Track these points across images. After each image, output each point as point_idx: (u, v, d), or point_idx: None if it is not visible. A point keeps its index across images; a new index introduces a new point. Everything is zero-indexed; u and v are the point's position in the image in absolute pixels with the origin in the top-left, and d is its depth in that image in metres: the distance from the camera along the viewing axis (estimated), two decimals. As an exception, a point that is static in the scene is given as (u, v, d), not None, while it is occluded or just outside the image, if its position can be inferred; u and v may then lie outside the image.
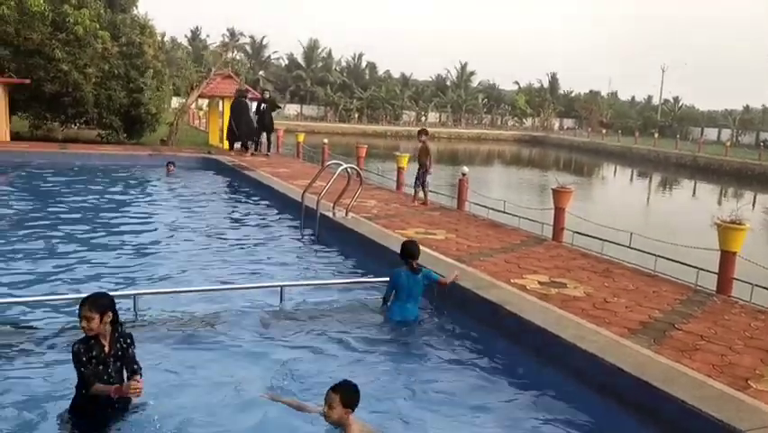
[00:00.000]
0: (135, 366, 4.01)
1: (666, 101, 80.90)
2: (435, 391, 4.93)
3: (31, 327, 5.69)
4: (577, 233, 10.09)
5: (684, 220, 20.55)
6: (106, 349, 3.90)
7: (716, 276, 7.53)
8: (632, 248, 9.27)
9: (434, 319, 6.52)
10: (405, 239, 8.08)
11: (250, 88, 24.54)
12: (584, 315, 5.86)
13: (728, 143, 50.20)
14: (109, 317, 3.87)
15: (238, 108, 19.92)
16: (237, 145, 20.77)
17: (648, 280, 7.46)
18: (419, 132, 12.66)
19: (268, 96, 21.27)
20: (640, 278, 7.56)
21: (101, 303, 3.88)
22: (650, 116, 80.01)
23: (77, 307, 3.93)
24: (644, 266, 8.33)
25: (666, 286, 7.25)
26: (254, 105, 21.26)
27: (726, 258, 7.48)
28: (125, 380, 3.97)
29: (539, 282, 6.95)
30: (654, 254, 8.69)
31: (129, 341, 4.03)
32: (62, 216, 10.65)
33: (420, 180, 12.42)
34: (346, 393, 3.87)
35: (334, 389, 3.88)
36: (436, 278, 6.57)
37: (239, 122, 20.08)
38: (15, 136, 20.64)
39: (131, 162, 17.81)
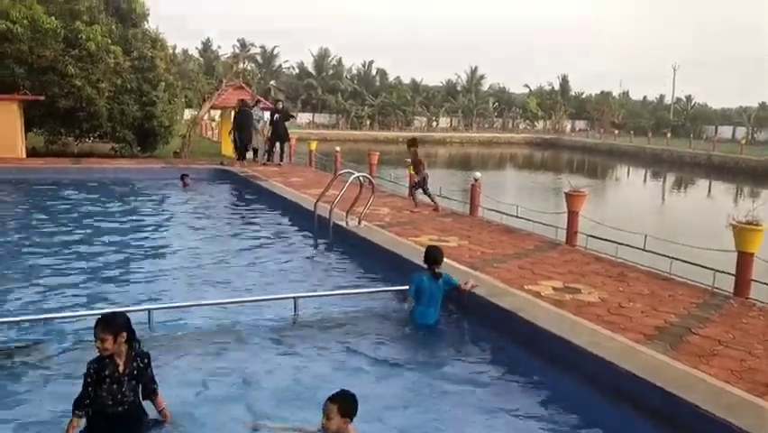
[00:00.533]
0: (153, 386, 4.03)
1: (678, 100, 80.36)
2: (450, 399, 4.92)
3: (44, 344, 5.71)
4: (591, 236, 10.03)
5: (699, 221, 20.38)
6: (121, 368, 3.91)
7: (733, 278, 7.46)
8: (646, 251, 9.21)
9: (449, 328, 6.51)
10: (419, 246, 8.09)
11: (261, 99, 24.62)
12: (599, 321, 5.82)
13: (743, 141, 49.74)
14: (123, 337, 3.88)
15: (241, 120, 19.81)
16: (249, 155, 20.83)
17: (663, 284, 7.40)
18: (409, 143, 12.59)
19: (281, 106, 21.34)
20: (655, 281, 7.50)
21: (115, 324, 3.90)
22: (662, 116, 79.45)
23: (93, 326, 3.96)
24: (660, 269, 8.26)
25: (682, 289, 7.18)
26: (267, 115, 21.35)
27: (744, 259, 7.39)
28: (140, 398, 3.98)
29: (553, 288, 6.92)
30: (669, 257, 8.62)
31: (146, 361, 4.03)
32: (77, 231, 10.73)
33: (423, 188, 12.36)
34: (344, 403, 3.85)
35: (332, 399, 3.85)
36: (456, 283, 6.67)
37: (242, 133, 19.97)
38: (31, 152, 20.89)
39: (144, 176, 17.93)
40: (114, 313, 4.22)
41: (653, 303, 6.50)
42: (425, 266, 6.63)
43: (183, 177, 16.46)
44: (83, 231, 10.70)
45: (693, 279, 7.83)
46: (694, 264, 8.43)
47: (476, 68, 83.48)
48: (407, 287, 6.64)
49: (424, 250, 6.90)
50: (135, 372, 3.97)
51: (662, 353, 5.06)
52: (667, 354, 5.05)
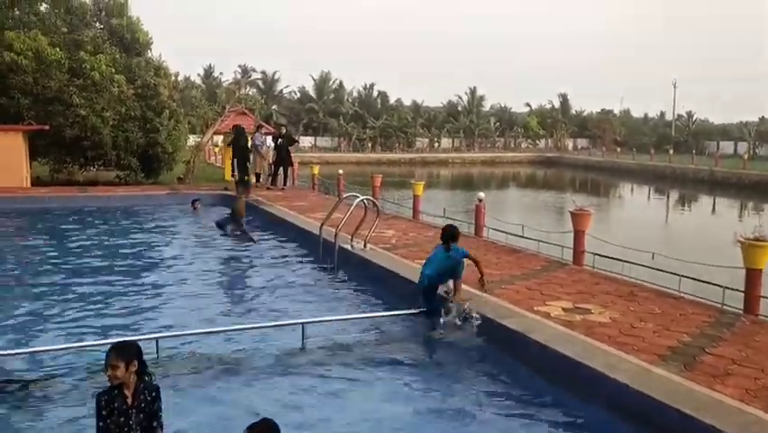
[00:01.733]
0: (156, 423, 3.91)
1: (680, 116, 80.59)
2: (460, 423, 4.87)
3: (52, 376, 5.68)
4: (598, 255, 9.99)
5: (705, 238, 20.30)
6: (129, 400, 3.85)
7: (742, 295, 7.40)
8: (655, 269, 9.16)
9: (458, 350, 6.46)
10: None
11: (263, 124, 24.79)
12: (611, 342, 5.76)
13: (746, 156, 49.76)
14: (134, 366, 3.84)
15: (237, 146, 19.69)
16: (252, 180, 20.82)
17: (674, 303, 7.34)
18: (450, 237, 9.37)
19: (284, 130, 21.44)
20: (665, 300, 7.44)
21: (127, 351, 3.86)
22: (664, 132, 79.68)
23: (105, 354, 3.92)
24: (669, 287, 8.21)
25: (692, 308, 7.13)
26: (269, 140, 21.43)
27: (752, 276, 7.35)
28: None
29: (563, 309, 6.87)
30: (678, 275, 8.57)
31: (154, 394, 3.95)
32: (80, 260, 10.73)
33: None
34: None
35: (251, 428, 3.46)
36: (465, 252, 7.40)
37: (240, 159, 19.85)
38: (36, 181, 20.99)
39: (149, 202, 17.97)
40: (126, 341, 4.18)
41: (664, 323, 6.45)
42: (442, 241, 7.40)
43: (194, 202, 16.53)
44: (87, 260, 10.69)
45: (702, 296, 7.77)
46: (703, 282, 8.38)
47: (475, 88, 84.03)
48: (415, 310, 6.65)
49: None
50: (143, 404, 3.91)
51: (677, 373, 5.01)
52: (681, 374, 4.99)
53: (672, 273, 8.76)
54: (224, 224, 13.13)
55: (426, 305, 7.19)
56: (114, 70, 21.10)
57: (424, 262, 7.55)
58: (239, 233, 12.60)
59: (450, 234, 7.45)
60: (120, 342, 4.07)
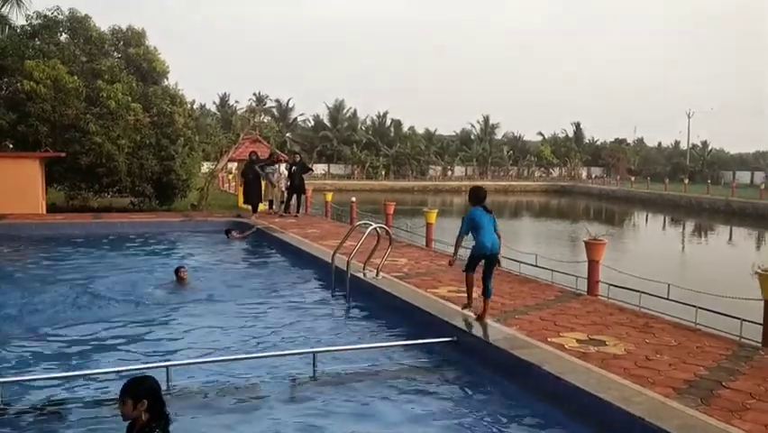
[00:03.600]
0: None
1: (694, 146, 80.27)
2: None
3: (59, 403, 5.65)
4: (613, 285, 9.88)
5: (722, 268, 20.07)
6: None
7: (761, 327, 7.27)
8: (671, 300, 9.03)
9: (472, 381, 6.37)
10: (438, 298, 8.06)
11: (277, 151, 24.97)
12: (626, 374, 5.66)
13: (762, 186, 49.37)
14: (143, 405, 3.74)
15: (249, 173, 20.00)
16: (266, 206, 20.96)
17: (690, 335, 7.22)
18: None
19: (298, 158, 21.55)
20: (682, 332, 7.32)
21: (138, 390, 3.76)
22: (678, 162, 79.35)
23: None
24: (685, 319, 8.08)
25: (709, 340, 7.00)
26: (283, 168, 21.55)
27: (771, 308, 7.22)
28: None
29: (577, 340, 6.77)
30: (695, 306, 8.44)
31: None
32: (94, 285, 10.74)
33: None
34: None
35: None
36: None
37: (252, 187, 20.17)
38: (52, 207, 21.20)
39: (163, 229, 18.04)
40: (142, 378, 4.01)
41: (681, 355, 6.33)
42: (475, 205, 7.42)
43: (228, 232, 16.62)
44: (100, 286, 10.70)
45: (720, 328, 7.64)
46: (721, 314, 8.23)
47: (488, 116, 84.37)
48: (428, 340, 6.55)
49: (436, 302, 7.14)
50: None
51: (694, 407, 4.90)
52: (698, 408, 4.88)
53: (688, 305, 8.62)
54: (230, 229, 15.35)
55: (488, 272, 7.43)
56: (130, 99, 21.43)
57: (463, 231, 7.41)
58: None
59: (482, 196, 7.55)
60: (134, 378, 3.97)
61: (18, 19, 24.09)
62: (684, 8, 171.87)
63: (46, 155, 20.08)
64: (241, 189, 25.78)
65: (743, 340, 7.19)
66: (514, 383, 6.07)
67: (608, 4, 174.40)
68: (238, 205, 25.58)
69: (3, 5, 23.60)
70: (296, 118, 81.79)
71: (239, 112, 68.58)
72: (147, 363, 6.34)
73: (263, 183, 20.51)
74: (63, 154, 20.05)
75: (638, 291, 9.36)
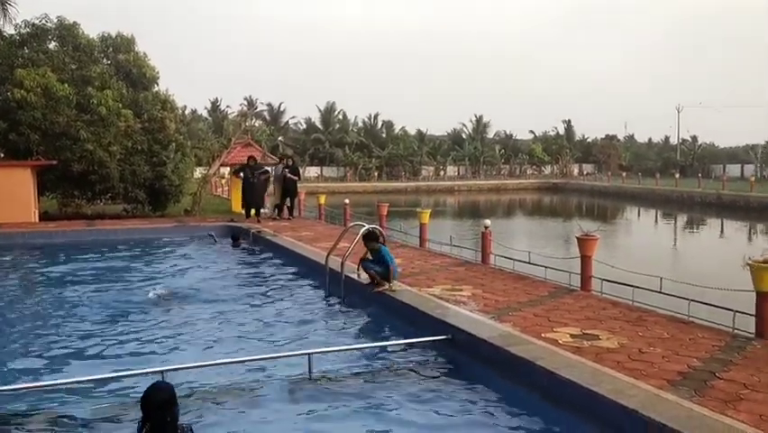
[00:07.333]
0: None
1: (684, 140, 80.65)
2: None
3: (53, 411, 5.65)
4: (605, 280, 9.93)
5: (714, 260, 20.18)
6: None
7: (753, 318, 7.32)
8: (663, 293, 9.08)
9: (467, 379, 6.40)
10: (433, 297, 8.10)
11: (269, 155, 24.97)
12: (620, 368, 5.70)
13: (753, 179, 49.65)
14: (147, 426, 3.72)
15: (244, 177, 19.91)
16: (263, 210, 20.90)
17: (683, 327, 7.27)
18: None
19: (290, 162, 21.49)
20: (674, 325, 7.37)
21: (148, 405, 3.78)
22: (669, 157, 79.73)
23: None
24: (678, 312, 8.14)
25: (702, 332, 7.05)
26: (279, 170, 21.49)
27: (763, 299, 7.26)
28: None
29: (571, 335, 6.80)
30: (687, 299, 8.49)
31: None
32: (87, 292, 10.74)
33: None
34: None
35: None
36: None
37: (249, 191, 20.08)
38: (44, 215, 21.13)
39: (156, 234, 18.02)
40: (158, 385, 4.01)
41: (674, 347, 6.38)
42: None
43: (235, 238, 16.54)
44: (93, 292, 10.70)
45: (712, 320, 7.69)
46: (713, 306, 8.29)
47: (480, 116, 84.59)
48: (424, 339, 6.61)
49: (429, 301, 7.66)
50: None
51: (688, 399, 4.94)
52: (692, 400, 4.93)
53: (680, 297, 8.67)
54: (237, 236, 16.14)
55: None
56: (121, 105, 21.39)
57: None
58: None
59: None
60: (152, 387, 3.96)
61: (5, 27, 24.02)
62: (671, 4, 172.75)
63: (38, 163, 20.03)
64: (234, 194, 25.75)
65: (735, 331, 7.24)
66: (508, 379, 6.10)
67: (597, 3, 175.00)
68: (231, 209, 25.55)
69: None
70: (287, 121, 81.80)
71: (230, 116, 68.65)
72: (142, 367, 6.32)
73: (272, 188, 20.45)
74: (55, 162, 20.00)
75: (631, 286, 9.41)
